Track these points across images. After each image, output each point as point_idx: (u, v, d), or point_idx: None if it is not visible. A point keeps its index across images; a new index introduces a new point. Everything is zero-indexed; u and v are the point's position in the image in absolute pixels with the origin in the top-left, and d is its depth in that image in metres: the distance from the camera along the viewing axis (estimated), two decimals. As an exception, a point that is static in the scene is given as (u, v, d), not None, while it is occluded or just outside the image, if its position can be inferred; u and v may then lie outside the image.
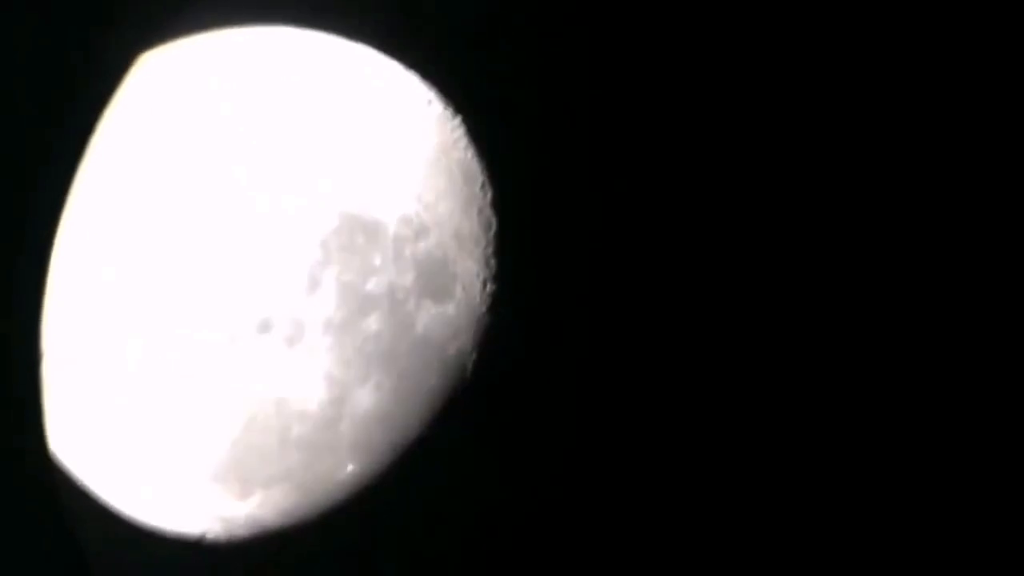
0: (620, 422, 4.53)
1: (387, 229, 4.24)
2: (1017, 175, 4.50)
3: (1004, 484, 4.46)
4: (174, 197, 4.15)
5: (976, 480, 4.47)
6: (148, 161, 4.21)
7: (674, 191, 4.57)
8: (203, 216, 4.13)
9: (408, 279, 4.24)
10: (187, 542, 4.18)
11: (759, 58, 4.52)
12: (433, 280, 4.29)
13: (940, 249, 4.54)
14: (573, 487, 4.51)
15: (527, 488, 4.49)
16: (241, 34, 4.45)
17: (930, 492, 4.49)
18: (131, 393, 4.04)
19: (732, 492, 4.54)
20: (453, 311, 4.33)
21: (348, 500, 4.20)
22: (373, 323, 4.18)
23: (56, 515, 4.04)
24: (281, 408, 4.10)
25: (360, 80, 4.41)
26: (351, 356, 4.15)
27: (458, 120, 4.47)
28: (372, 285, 4.19)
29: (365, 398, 4.17)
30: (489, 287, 4.41)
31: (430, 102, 4.46)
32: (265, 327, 4.08)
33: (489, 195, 4.47)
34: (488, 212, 4.46)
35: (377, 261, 4.22)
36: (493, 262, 4.43)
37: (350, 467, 4.19)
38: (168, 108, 4.27)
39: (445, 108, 4.47)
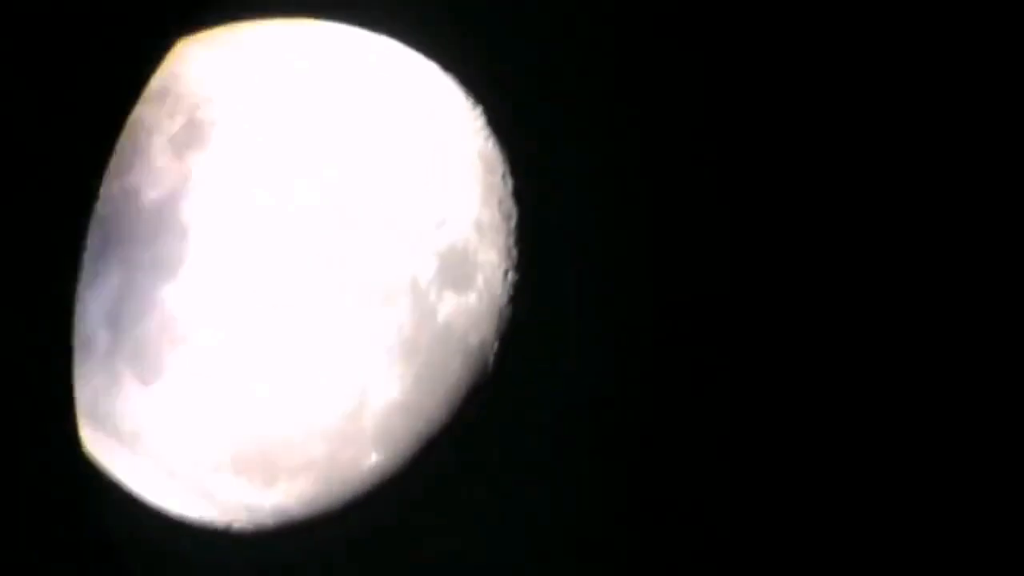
0: (640, 411, 4.54)
1: (408, 220, 4.25)
2: (1017, 175, 4.50)
3: (1004, 484, 4.47)
4: (204, 185, 4.18)
5: (976, 480, 4.48)
6: (180, 148, 4.24)
7: (695, 182, 4.57)
8: (228, 204, 4.16)
9: (430, 270, 4.26)
10: (213, 532, 4.22)
11: (779, 50, 4.52)
12: (455, 270, 4.30)
13: (940, 249, 4.54)
14: (594, 478, 4.53)
15: (549, 478, 4.51)
16: (266, 25, 4.48)
17: (930, 492, 4.49)
18: (156, 383, 4.08)
19: (749, 481, 4.55)
20: (475, 301, 4.34)
21: (372, 489, 4.23)
22: (395, 314, 4.19)
23: (84, 506, 4.08)
24: (305, 398, 4.12)
25: (381, 71, 4.43)
26: (373, 347, 4.17)
27: (479, 110, 4.48)
28: (394, 276, 4.21)
29: (388, 389, 4.19)
30: (511, 277, 4.42)
31: (451, 92, 4.47)
32: (288, 317, 4.10)
33: (510, 185, 4.48)
34: (509, 202, 4.47)
35: (399, 252, 4.23)
36: (515, 252, 4.44)
37: (374, 458, 4.21)
38: (193, 97, 4.30)
39: (466, 98, 4.48)
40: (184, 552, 4.22)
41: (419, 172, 4.31)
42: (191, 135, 4.26)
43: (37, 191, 4.16)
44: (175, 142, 4.27)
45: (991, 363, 4.46)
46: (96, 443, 4.14)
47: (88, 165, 4.21)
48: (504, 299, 4.41)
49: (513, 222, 4.45)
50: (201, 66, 4.39)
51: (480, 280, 4.36)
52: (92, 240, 4.17)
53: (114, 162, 4.28)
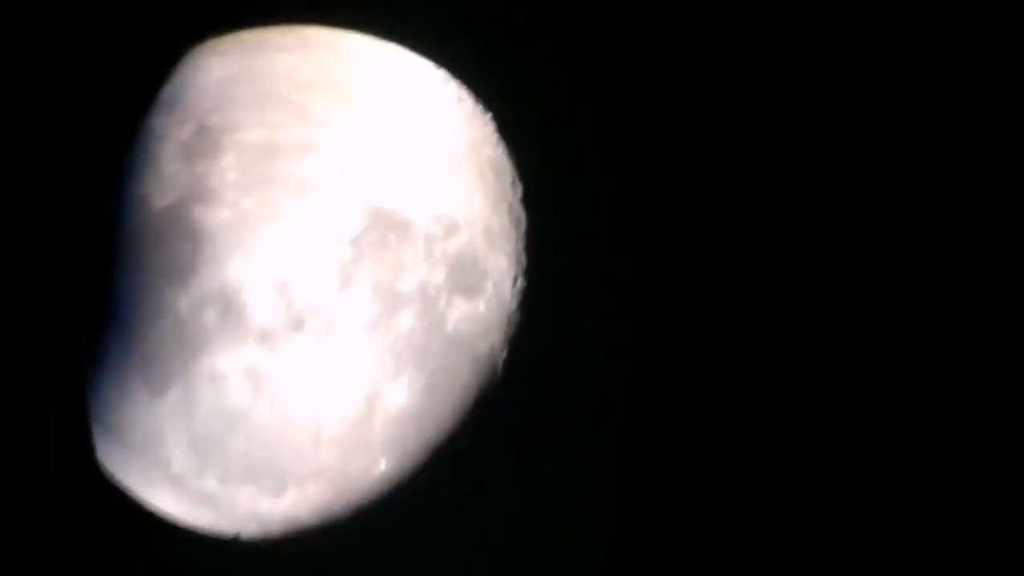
0: (651, 418, 4.54)
1: (418, 227, 4.25)
2: (1017, 175, 4.49)
3: (1004, 484, 4.45)
4: (212, 191, 4.18)
5: (976, 480, 4.46)
6: (190, 155, 4.25)
7: (704, 190, 4.57)
8: (237, 212, 4.16)
9: (439, 276, 4.25)
10: (222, 540, 4.22)
11: (786, 51, 4.51)
12: (464, 277, 4.30)
13: (940, 249, 4.53)
14: (604, 483, 4.52)
15: (558, 484, 4.50)
16: (274, 34, 4.49)
17: (930, 492, 4.48)
18: (166, 391, 4.08)
19: (756, 483, 4.54)
20: (484, 308, 4.33)
21: (381, 497, 4.22)
22: (405, 321, 4.19)
23: (94, 514, 4.09)
24: (314, 406, 4.12)
25: (391, 78, 4.43)
26: (383, 354, 4.16)
27: (488, 117, 4.48)
28: (404, 283, 4.21)
29: (397, 396, 4.18)
30: (520, 284, 4.42)
31: (461, 100, 4.48)
32: (298, 325, 4.10)
33: (520, 192, 4.48)
34: (519, 209, 4.47)
35: (409, 259, 4.22)
36: (524, 259, 4.44)
37: (383, 464, 4.21)
38: (203, 104, 4.31)
39: (476, 105, 4.48)
40: (193, 561, 4.22)
41: (429, 179, 4.31)
42: (201, 142, 4.27)
43: (49, 198, 4.18)
44: (185, 149, 4.28)
45: (990, 363, 4.45)
46: (106, 451, 4.15)
47: (100, 172, 4.23)
48: (513, 306, 4.40)
49: (522, 229, 4.45)
50: (210, 74, 4.40)
51: (489, 287, 4.35)
52: (103, 247, 4.19)
53: (125, 169, 4.29)
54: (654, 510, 4.50)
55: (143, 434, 4.11)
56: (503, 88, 4.51)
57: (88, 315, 4.17)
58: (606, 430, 4.53)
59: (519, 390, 4.41)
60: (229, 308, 4.09)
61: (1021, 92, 4.39)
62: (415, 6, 4.58)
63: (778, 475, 4.53)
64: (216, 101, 4.33)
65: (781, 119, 4.55)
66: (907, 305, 4.50)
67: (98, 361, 4.13)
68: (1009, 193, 4.42)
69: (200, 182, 4.22)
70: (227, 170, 4.22)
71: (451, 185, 4.34)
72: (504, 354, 4.38)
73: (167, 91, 4.40)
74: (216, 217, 4.17)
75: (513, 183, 4.48)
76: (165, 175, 4.26)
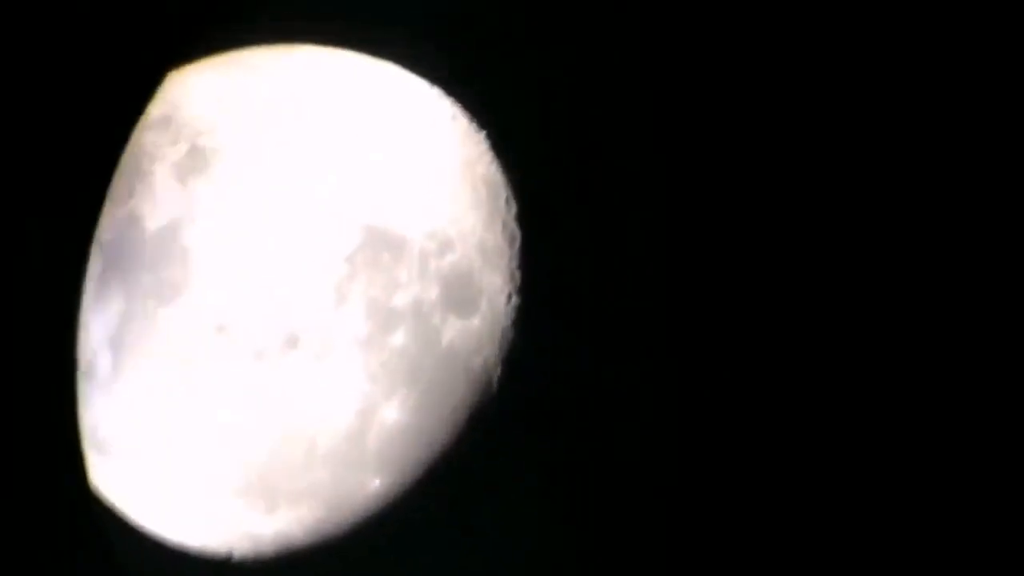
0: (645, 433, 4.53)
1: (412, 244, 4.26)
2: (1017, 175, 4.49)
3: (1004, 484, 4.45)
4: (201, 213, 4.19)
5: (976, 480, 4.46)
6: (175, 176, 4.26)
7: (698, 207, 4.58)
8: (229, 231, 4.16)
9: (433, 293, 4.25)
10: (214, 559, 4.20)
11: (788, 72, 4.53)
12: (458, 294, 4.30)
13: (939, 250, 4.53)
14: (598, 501, 4.51)
15: (553, 501, 4.49)
16: (268, 52, 4.49)
17: (930, 492, 4.48)
18: (158, 408, 4.07)
19: (754, 499, 4.53)
20: (478, 325, 4.33)
21: (374, 515, 4.21)
22: (399, 338, 4.19)
23: (85, 532, 4.07)
24: (308, 423, 4.11)
25: (385, 97, 4.44)
26: (377, 371, 4.16)
27: (482, 135, 4.49)
28: (398, 300, 4.21)
29: (391, 413, 4.17)
30: (514, 301, 4.42)
31: (454, 118, 4.48)
32: (292, 342, 4.10)
33: (513, 209, 4.48)
34: (512, 226, 4.47)
35: (403, 276, 4.23)
36: (518, 276, 4.44)
37: (376, 482, 4.20)
38: (195, 124, 4.31)
39: (469, 123, 4.49)
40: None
41: (423, 196, 4.31)
42: (193, 162, 4.27)
43: (42, 217, 4.18)
44: (177, 169, 4.28)
45: (990, 363, 4.44)
46: (97, 468, 4.14)
47: (91, 191, 4.23)
48: (507, 322, 4.40)
49: (516, 246, 4.45)
50: (203, 93, 4.41)
51: (483, 304, 4.35)
52: (95, 265, 4.19)
53: (117, 188, 4.30)
54: (649, 527, 4.48)
55: (133, 451, 4.10)
56: (497, 106, 4.52)
57: (80, 334, 4.17)
58: (600, 446, 4.52)
59: (513, 407, 4.40)
60: (222, 327, 4.09)
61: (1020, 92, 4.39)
62: (409, 25, 4.59)
63: (777, 495, 4.52)
64: (209, 120, 4.34)
65: (776, 131, 4.56)
66: (899, 309, 4.50)
67: (90, 380, 4.13)
68: (1008, 193, 4.42)
69: (193, 202, 4.22)
70: (220, 189, 4.22)
71: (445, 203, 4.35)
72: (498, 371, 4.37)
73: (159, 110, 4.41)
74: (209, 236, 4.17)
75: (507, 201, 4.48)
76: (158, 195, 4.26)
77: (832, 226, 4.57)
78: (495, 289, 4.39)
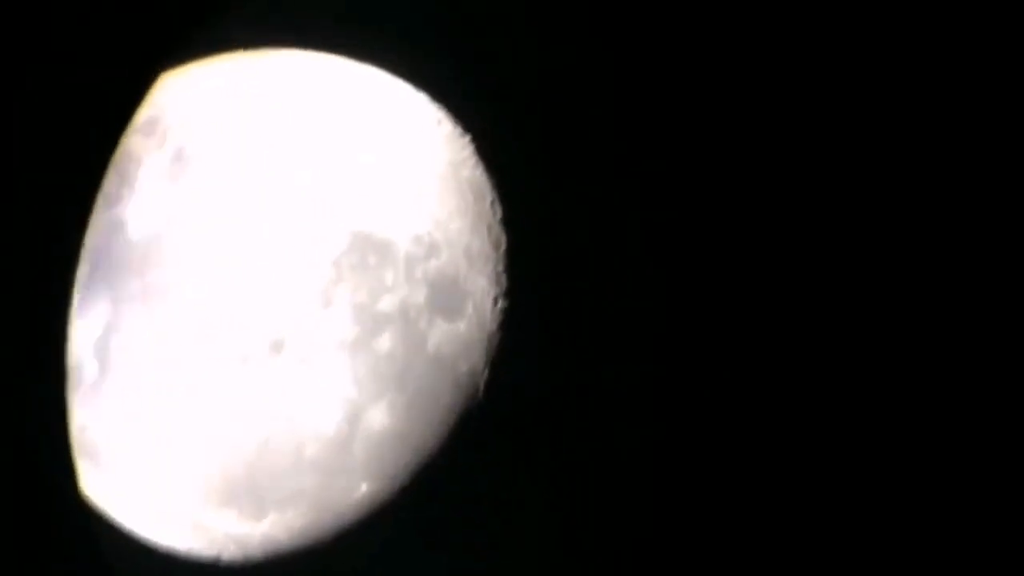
0: (632, 438, 4.54)
1: (398, 248, 4.26)
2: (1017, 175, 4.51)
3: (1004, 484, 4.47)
4: (189, 216, 4.19)
5: (976, 480, 4.48)
6: (161, 181, 4.25)
7: (685, 208, 4.59)
8: (216, 235, 4.17)
9: (420, 297, 4.26)
10: (202, 564, 4.20)
11: (778, 71, 4.54)
12: (445, 298, 4.30)
13: (938, 250, 4.56)
14: (586, 504, 4.52)
15: (540, 505, 4.50)
16: (254, 57, 4.49)
17: (930, 492, 4.50)
18: (144, 413, 4.07)
19: (748, 509, 4.55)
20: (465, 329, 4.34)
21: (362, 520, 4.21)
22: (386, 342, 4.19)
23: (73, 538, 4.07)
24: (294, 428, 4.11)
25: (371, 101, 4.44)
26: (364, 375, 4.16)
27: (467, 139, 4.49)
28: (384, 304, 4.21)
29: (378, 417, 4.18)
30: (500, 304, 4.42)
31: (440, 122, 4.49)
32: (278, 347, 4.10)
33: (499, 213, 4.49)
34: (498, 230, 4.48)
35: (389, 280, 4.23)
36: (504, 279, 4.44)
37: (364, 487, 4.20)
38: (181, 128, 4.32)
39: (454, 128, 4.50)
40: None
41: (408, 201, 4.32)
42: (179, 167, 4.27)
43: (29, 222, 4.18)
44: (163, 174, 4.28)
45: (990, 363, 4.47)
46: (85, 473, 4.14)
47: (78, 196, 4.23)
48: (494, 326, 4.40)
49: (502, 250, 4.46)
50: (189, 98, 4.41)
51: (470, 308, 4.36)
52: (82, 270, 4.19)
53: (103, 193, 4.29)
54: (637, 530, 4.49)
55: (120, 457, 4.10)
56: (482, 111, 4.52)
57: (67, 339, 4.16)
58: (588, 450, 4.53)
59: (500, 411, 4.41)
60: (208, 331, 4.09)
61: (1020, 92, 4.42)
62: (394, 30, 4.60)
63: (764, 493, 4.53)
64: (194, 125, 4.34)
65: (764, 134, 4.58)
66: (897, 309, 4.53)
67: (77, 385, 4.13)
68: (1008, 193, 4.45)
69: (178, 206, 4.22)
70: (205, 194, 4.23)
71: (431, 207, 4.36)
72: (485, 374, 4.38)
73: (146, 115, 4.41)
74: (194, 241, 4.17)
75: (492, 204, 4.49)
76: (143, 199, 4.26)
77: (825, 225, 4.58)
78: (482, 293, 4.40)
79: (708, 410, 4.56)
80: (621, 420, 4.54)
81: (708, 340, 4.57)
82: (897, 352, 4.57)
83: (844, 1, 4.53)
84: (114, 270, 4.20)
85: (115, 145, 4.27)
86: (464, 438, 4.31)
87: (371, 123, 4.39)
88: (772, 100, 4.57)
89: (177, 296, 4.13)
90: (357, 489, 4.20)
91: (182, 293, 4.13)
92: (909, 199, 4.58)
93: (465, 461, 4.33)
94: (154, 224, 4.22)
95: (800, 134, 4.58)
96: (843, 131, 4.57)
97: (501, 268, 4.45)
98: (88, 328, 4.16)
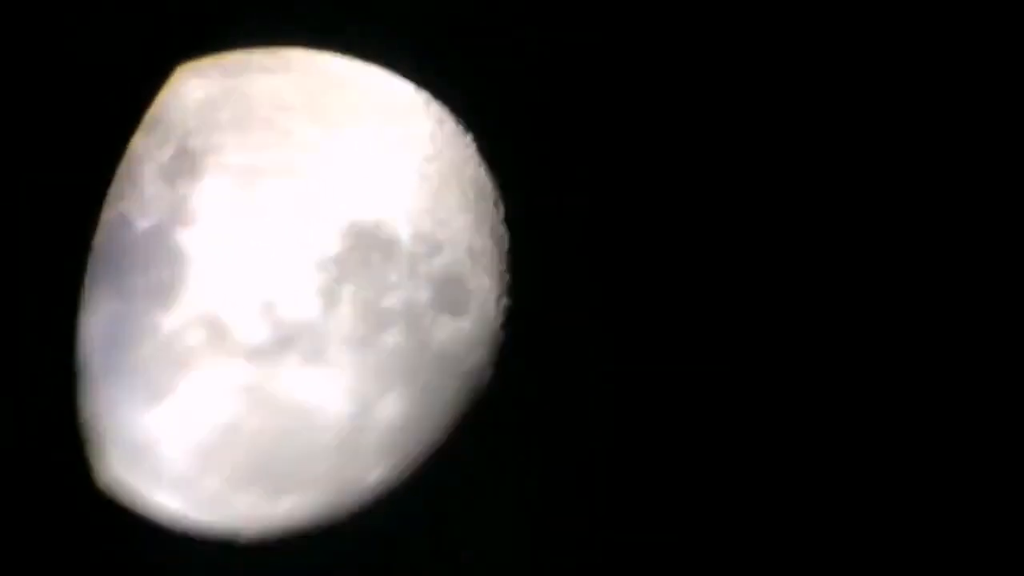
0: (636, 434, 4.56)
1: (402, 246, 4.27)
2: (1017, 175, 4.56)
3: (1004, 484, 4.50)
4: (190, 214, 4.19)
5: (976, 480, 4.51)
6: (163, 178, 4.26)
7: (690, 207, 4.62)
8: (219, 232, 4.17)
9: (423, 295, 4.27)
10: (216, 545, 4.20)
11: (779, 72, 4.59)
12: (448, 296, 4.32)
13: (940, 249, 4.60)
14: (591, 499, 4.53)
15: (545, 501, 4.51)
16: (256, 55, 4.51)
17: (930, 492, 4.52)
18: (158, 404, 4.07)
19: (748, 508, 4.56)
20: (469, 326, 4.35)
21: (373, 506, 4.23)
22: (390, 339, 4.20)
23: (88, 520, 4.06)
24: (299, 426, 4.11)
25: (373, 100, 4.46)
26: (370, 372, 4.17)
27: (470, 138, 4.52)
28: (388, 301, 4.22)
29: (384, 413, 4.18)
30: (504, 302, 4.44)
31: (442, 121, 4.51)
32: (285, 343, 4.11)
33: (502, 212, 4.51)
34: (501, 228, 4.50)
35: (393, 277, 4.24)
36: (507, 278, 4.46)
37: (375, 475, 4.21)
38: (184, 125, 4.32)
39: (457, 126, 4.52)
40: (189, 565, 4.20)
41: (411, 199, 4.33)
42: (182, 164, 4.28)
43: (40, 219, 4.19)
44: (166, 171, 4.28)
45: (990, 363, 4.50)
46: (96, 464, 4.13)
47: (82, 194, 4.24)
48: (497, 324, 4.42)
49: (505, 248, 4.48)
50: (191, 96, 4.42)
51: (473, 305, 4.37)
52: (90, 268, 4.20)
53: (107, 191, 4.30)
54: (641, 526, 4.51)
55: (133, 441, 4.10)
56: (485, 109, 4.56)
57: (73, 335, 4.16)
58: (592, 446, 4.55)
59: (504, 409, 4.42)
60: (215, 328, 4.09)
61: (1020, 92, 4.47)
62: (397, 29, 4.63)
63: (766, 495, 4.55)
64: (197, 123, 4.35)
65: (770, 147, 4.62)
66: (894, 310, 4.56)
67: (86, 380, 4.13)
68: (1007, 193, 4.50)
69: (182, 204, 4.23)
70: (209, 191, 4.24)
71: (434, 205, 4.37)
72: (489, 371, 4.39)
73: (147, 113, 4.41)
74: (198, 239, 4.17)
75: (495, 203, 4.51)
76: (146, 197, 4.26)
77: (827, 226, 4.62)
78: (485, 291, 4.42)
79: (711, 410, 4.58)
80: (625, 417, 4.56)
81: (712, 340, 4.60)
82: (897, 352, 4.61)
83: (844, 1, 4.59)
84: (118, 267, 4.21)
85: (124, 143, 4.28)
86: (468, 433, 4.32)
87: (373, 122, 4.41)
88: (778, 103, 4.61)
89: (182, 293, 4.13)
90: (368, 478, 4.21)
91: (187, 290, 4.13)
92: (909, 199, 4.62)
93: (470, 455, 4.34)
94: (156, 221, 4.22)
95: (802, 134, 4.62)
96: (846, 131, 4.61)
97: (504, 266, 4.47)
98: (95, 324, 4.17)
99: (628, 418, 4.56)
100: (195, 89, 4.43)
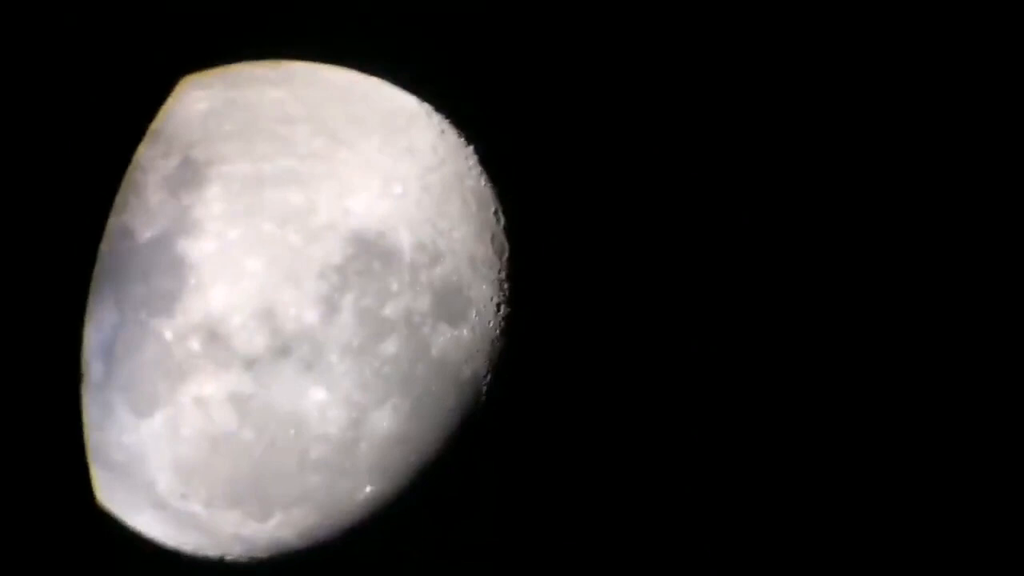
0: (633, 441, 4.56)
1: (403, 255, 4.29)
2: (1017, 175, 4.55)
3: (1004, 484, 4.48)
4: (192, 223, 4.21)
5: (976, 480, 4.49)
6: (167, 188, 4.28)
7: (686, 216, 4.63)
8: (222, 242, 4.19)
9: (424, 304, 4.28)
10: (208, 563, 4.21)
11: (781, 73, 4.58)
12: (448, 304, 4.33)
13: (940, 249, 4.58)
14: (587, 506, 4.54)
15: (542, 508, 4.51)
16: (260, 67, 4.54)
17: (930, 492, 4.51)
18: (151, 416, 4.09)
19: (747, 509, 4.56)
20: (468, 335, 4.36)
21: (366, 521, 4.23)
22: (390, 347, 4.21)
23: (78, 536, 4.07)
24: (300, 431, 4.12)
25: (376, 111, 4.48)
26: (369, 379, 4.18)
27: (471, 149, 4.54)
28: (389, 310, 4.23)
29: (383, 420, 4.20)
30: (503, 311, 4.45)
31: (444, 132, 4.53)
32: (284, 351, 4.12)
33: (502, 221, 4.53)
34: (501, 238, 4.51)
35: (394, 286, 4.25)
36: (507, 286, 4.48)
37: (368, 488, 4.22)
38: (187, 136, 4.35)
39: (459, 138, 4.54)
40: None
41: (413, 209, 4.35)
42: (185, 174, 4.30)
43: (37, 229, 4.21)
44: (170, 181, 4.31)
45: (991, 363, 4.49)
46: (94, 475, 4.15)
47: (86, 204, 4.27)
48: (496, 332, 4.43)
49: (505, 257, 4.49)
50: (195, 107, 4.45)
51: (473, 314, 4.39)
52: (93, 276, 4.22)
53: (111, 201, 4.33)
54: (637, 531, 4.51)
55: (126, 457, 4.12)
56: (486, 121, 4.57)
57: (73, 343, 4.18)
58: (588, 453, 4.55)
59: (502, 416, 4.43)
60: (214, 336, 4.10)
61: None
62: (400, 42, 4.65)
63: (765, 498, 4.54)
64: (201, 133, 4.37)
65: (765, 155, 4.61)
66: (894, 310, 4.55)
67: (83, 387, 4.15)
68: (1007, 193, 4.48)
69: (185, 214, 4.24)
70: (212, 202, 4.25)
71: (435, 215, 4.39)
72: (488, 379, 4.40)
73: (151, 124, 4.44)
74: (201, 248, 4.19)
75: (496, 213, 4.53)
76: (150, 207, 4.28)
77: (829, 227, 4.62)
78: (485, 299, 4.43)
79: (710, 412, 4.58)
80: (621, 423, 4.57)
81: (709, 344, 4.60)
82: (897, 352, 4.60)
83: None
84: (120, 276, 4.22)
85: (123, 153, 4.31)
86: (466, 441, 4.33)
87: (376, 133, 4.43)
88: (777, 105, 4.61)
89: (183, 301, 4.14)
90: (361, 490, 4.22)
91: (188, 299, 4.15)
92: (909, 199, 4.62)
93: (467, 463, 4.34)
94: (159, 230, 4.24)
95: (802, 134, 4.62)
96: (844, 131, 4.61)
97: (504, 275, 4.48)
98: (96, 331, 4.18)
99: (626, 426, 4.57)
100: (198, 101, 4.46)
